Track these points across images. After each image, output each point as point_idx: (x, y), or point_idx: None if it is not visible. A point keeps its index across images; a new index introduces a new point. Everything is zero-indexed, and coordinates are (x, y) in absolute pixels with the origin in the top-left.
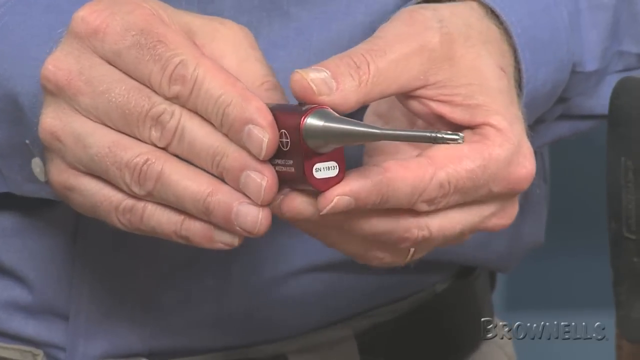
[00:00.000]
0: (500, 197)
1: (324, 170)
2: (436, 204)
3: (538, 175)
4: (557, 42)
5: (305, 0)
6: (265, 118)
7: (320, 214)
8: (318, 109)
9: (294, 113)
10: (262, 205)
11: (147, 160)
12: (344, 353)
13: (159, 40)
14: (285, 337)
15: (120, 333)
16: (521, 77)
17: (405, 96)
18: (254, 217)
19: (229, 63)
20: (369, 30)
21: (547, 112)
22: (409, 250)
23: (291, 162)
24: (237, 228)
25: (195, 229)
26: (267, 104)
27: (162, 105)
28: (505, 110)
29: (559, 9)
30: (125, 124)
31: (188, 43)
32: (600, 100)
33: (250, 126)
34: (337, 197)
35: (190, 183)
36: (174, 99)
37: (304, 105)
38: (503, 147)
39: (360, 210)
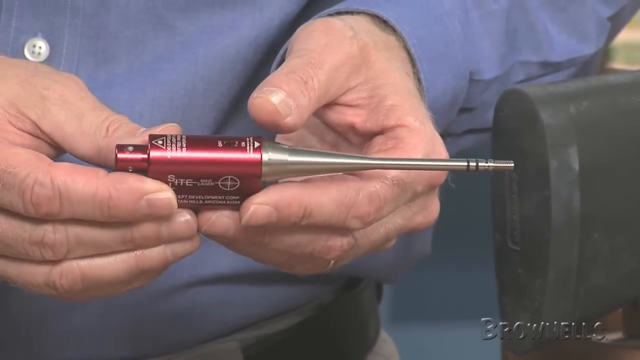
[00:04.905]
0: (422, 195)
1: None
2: (371, 221)
3: None
4: (452, 51)
5: (191, 15)
6: (153, 182)
7: (242, 223)
8: (264, 143)
9: (242, 154)
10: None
11: (60, 274)
12: None
13: (2, 170)
14: (171, 350)
15: (3, 344)
16: (421, 86)
17: (323, 107)
18: (188, 244)
19: (69, 128)
20: (254, 44)
21: (453, 124)
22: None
23: (237, 197)
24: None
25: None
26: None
27: (39, 227)
28: (416, 110)
29: (451, 19)
30: (15, 253)
31: (31, 157)
32: None
33: (146, 197)
34: (255, 205)
35: (111, 270)
36: (46, 218)
37: (232, 139)
38: (418, 147)
39: (283, 225)
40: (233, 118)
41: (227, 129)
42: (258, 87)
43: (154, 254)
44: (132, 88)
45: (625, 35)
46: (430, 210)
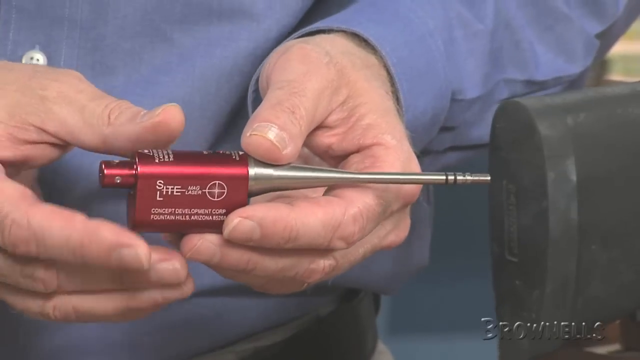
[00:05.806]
0: (395, 213)
1: None
2: (355, 241)
3: (422, 196)
4: (434, 71)
5: (188, 27)
6: (125, 236)
7: (224, 235)
8: (249, 158)
9: (228, 161)
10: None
11: (54, 307)
12: None
13: None
14: None
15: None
16: (400, 105)
17: None
18: (177, 292)
19: (73, 122)
20: (252, 56)
21: (435, 142)
22: None
23: (224, 211)
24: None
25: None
26: (177, 154)
27: (30, 264)
28: (393, 128)
29: (434, 39)
30: (10, 281)
31: (15, 194)
32: (487, 129)
33: (118, 252)
34: (240, 218)
35: (102, 307)
36: (27, 254)
37: (225, 151)
38: (395, 165)
39: (267, 247)
40: (231, 130)
41: (224, 142)
42: (248, 124)
43: (144, 297)
44: (130, 100)
45: (622, 47)
46: (402, 228)
